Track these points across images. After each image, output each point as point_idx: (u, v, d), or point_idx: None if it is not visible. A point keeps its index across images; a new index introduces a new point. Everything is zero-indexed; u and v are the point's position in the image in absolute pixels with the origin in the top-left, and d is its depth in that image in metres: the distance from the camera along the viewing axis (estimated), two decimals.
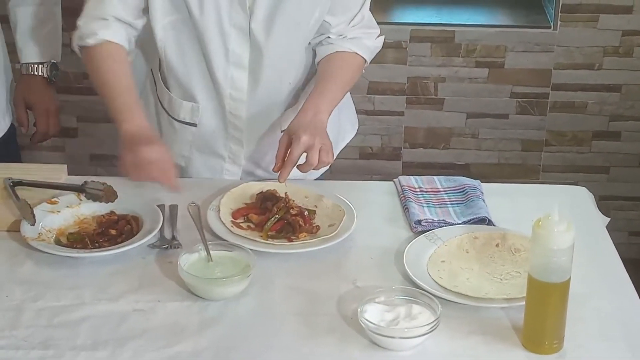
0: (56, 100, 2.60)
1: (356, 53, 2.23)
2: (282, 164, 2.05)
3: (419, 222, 2.03)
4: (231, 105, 2.22)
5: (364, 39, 2.23)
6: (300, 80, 2.27)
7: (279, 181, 2.04)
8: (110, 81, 2.11)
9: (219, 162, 2.31)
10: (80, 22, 2.14)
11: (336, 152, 2.43)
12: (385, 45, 2.34)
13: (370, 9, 2.25)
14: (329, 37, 2.22)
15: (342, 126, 2.42)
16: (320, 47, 2.24)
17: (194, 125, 2.26)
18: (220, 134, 2.27)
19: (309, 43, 2.23)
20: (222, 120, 2.25)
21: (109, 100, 2.10)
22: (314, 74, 2.26)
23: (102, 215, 2.02)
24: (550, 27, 3.47)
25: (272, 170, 2.08)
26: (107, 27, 2.12)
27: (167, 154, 2.04)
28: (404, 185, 2.17)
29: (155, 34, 2.16)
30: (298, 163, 2.04)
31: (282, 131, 2.21)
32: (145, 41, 2.24)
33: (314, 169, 2.05)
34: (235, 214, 2.03)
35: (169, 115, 2.29)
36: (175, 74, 2.21)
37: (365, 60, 2.27)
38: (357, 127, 2.53)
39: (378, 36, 2.27)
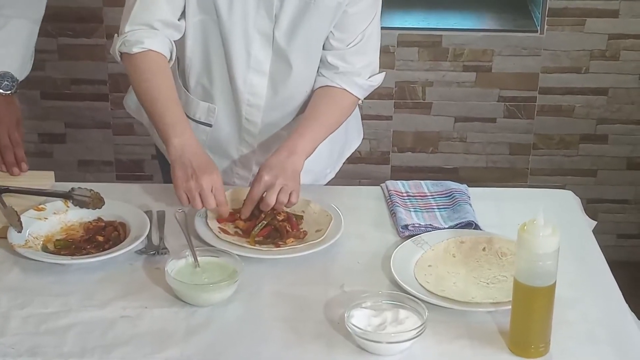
0: (11, 114, 2.32)
1: (346, 90, 2.19)
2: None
3: (406, 226, 2.03)
4: (247, 111, 2.22)
5: (355, 76, 2.19)
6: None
7: (240, 218, 2.02)
8: (157, 94, 2.07)
9: (230, 165, 2.31)
10: (127, 28, 2.09)
11: (342, 160, 2.46)
12: None
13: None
14: (321, 71, 2.20)
15: (348, 136, 2.43)
16: None
17: (209, 125, 2.25)
18: (233, 138, 2.27)
19: None
20: (237, 125, 2.25)
21: (155, 113, 2.06)
22: None
23: (89, 221, 2.02)
24: (537, 31, 3.48)
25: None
26: (154, 36, 2.08)
27: (221, 182, 2.00)
28: (391, 190, 2.18)
29: (185, 32, 2.14)
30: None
31: None
32: None
33: (276, 208, 2.02)
34: (222, 219, 2.03)
35: (185, 114, 2.20)
36: (197, 74, 2.21)
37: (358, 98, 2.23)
38: (362, 135, 2.53)
39: (373, 75, 2.21)
